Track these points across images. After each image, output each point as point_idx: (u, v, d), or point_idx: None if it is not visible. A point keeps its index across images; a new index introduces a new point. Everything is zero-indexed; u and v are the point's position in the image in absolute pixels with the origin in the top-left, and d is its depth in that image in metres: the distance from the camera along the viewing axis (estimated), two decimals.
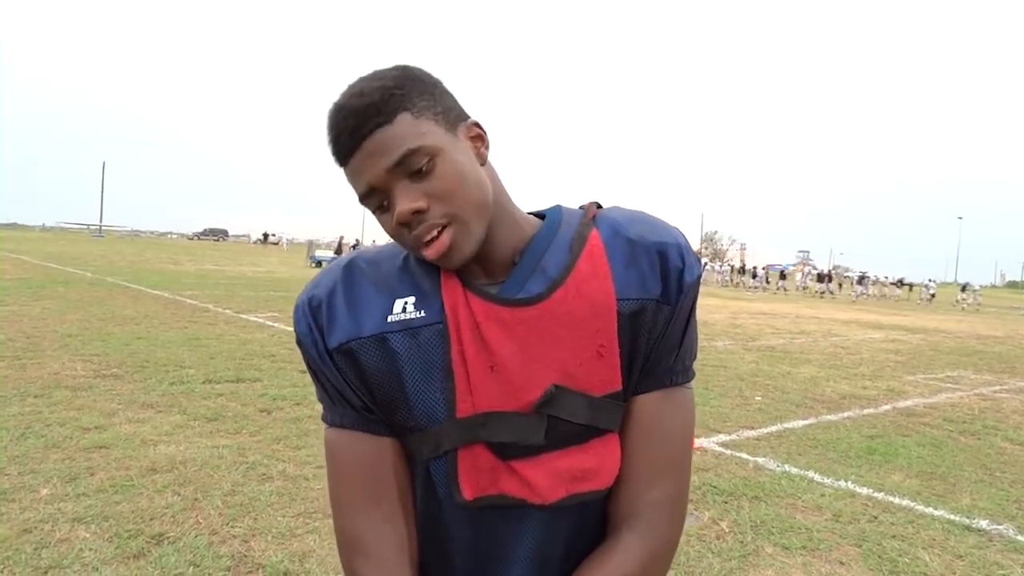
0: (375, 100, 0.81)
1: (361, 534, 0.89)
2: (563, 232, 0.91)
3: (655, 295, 0.87)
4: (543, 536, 0.91)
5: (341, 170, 0.87)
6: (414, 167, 0.81)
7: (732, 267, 49.07)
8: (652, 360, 0.89)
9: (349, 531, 0.90)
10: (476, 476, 0.88)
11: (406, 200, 0.82)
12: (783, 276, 41.67)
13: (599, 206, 0.96)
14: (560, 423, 0.86)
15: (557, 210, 0.95)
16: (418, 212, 0.82)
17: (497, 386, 0.86)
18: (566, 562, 0.92)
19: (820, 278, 39.64)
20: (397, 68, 0.86)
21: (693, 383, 0.95)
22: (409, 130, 0.81)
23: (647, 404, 0.90)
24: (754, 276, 40.36)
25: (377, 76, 0.84)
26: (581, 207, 0.96)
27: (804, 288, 40.21)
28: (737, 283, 43.84)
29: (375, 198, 0.84)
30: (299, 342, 0.91)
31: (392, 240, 0.98)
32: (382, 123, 0.81)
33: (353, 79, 0.86)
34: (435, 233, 0.82)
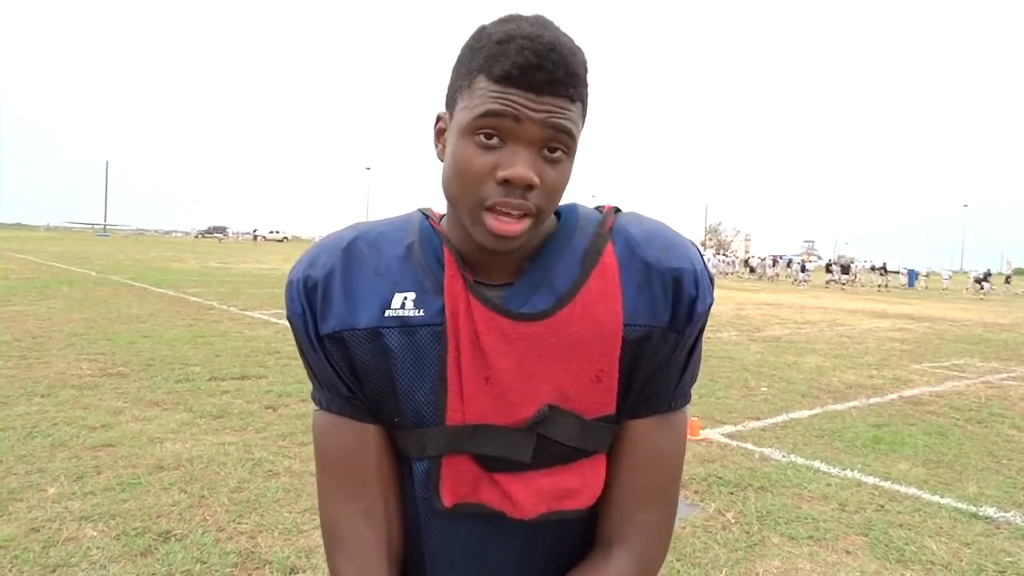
0: (579, 73, 0.78)
1: (341, 525, 0.88)
2: (577, 240, 0.86)
3: (663, 322, 0.84)
4: (517, 548, 0.89)
5: (478, 76, 0.77)
6: (555, 150, 0.78)
7: (763, 260, 47.34)
8: (652, 386, 0.87)
9: (330, 521, 0.89)
10: (457, 484, 0.86)
11: (531, 168, 0.77)
12: (829, 269, 39.75)
13: (617, 209, 0.92)
14: (549, 443, 0.84)
15: (573, 211, 0.90)
16: (530, 187, 0.77)
17: (490, 399, 0.84)
18: (541, 574, 0.91)
19: (846, 269, 38.57)
20: (583, 51, 0.81)
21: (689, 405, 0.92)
22: (577, 119, 0.79)
23: (643, 429, 0.88)
24: (803, 269, 38.81)
25: (578, 47, 0.80)
26: (598, 208, 0.92)
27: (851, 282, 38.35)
28: (772, 277, 42.44)
29: (503, 126, 0.76)
30: (290, 320, 0.88)
31: (403, 215, 0.94)
32: (572, 97, 0.78)
33: (531, 15, 0.80)
34: (518, 214, 0.78)
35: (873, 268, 41.13)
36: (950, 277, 41.26)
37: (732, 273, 46.28)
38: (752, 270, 45.70)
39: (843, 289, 34.55)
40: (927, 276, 42.45)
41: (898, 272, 42.31)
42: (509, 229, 0.77)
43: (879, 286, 37.35)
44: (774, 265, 45.16)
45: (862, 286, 38.17)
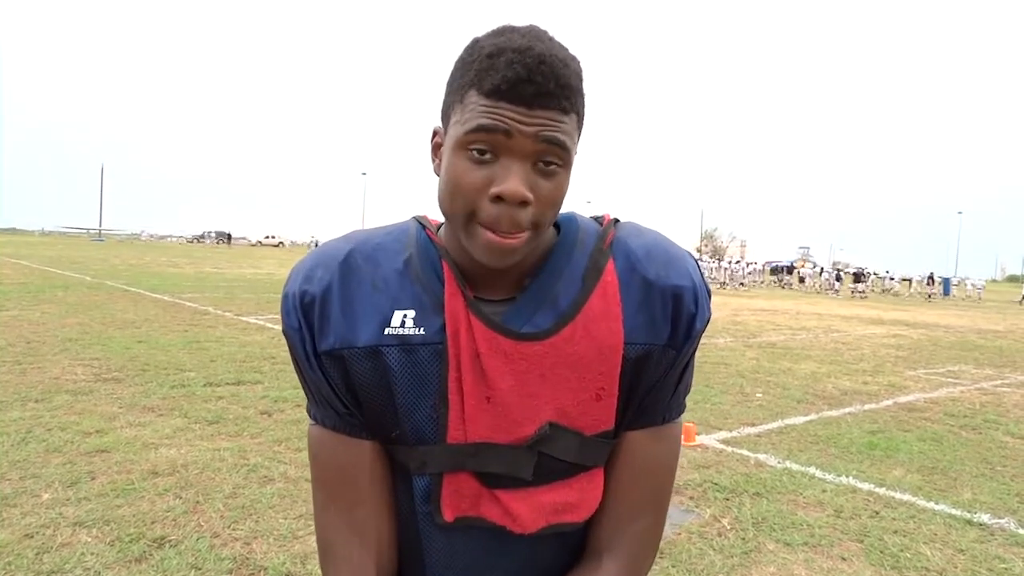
0: (572, 84, 0.76)
1: (334, 541, 0.88)
2: (578, 256, 0.86)
3: (663, 340, 0.85)
4: (516, 560, 0.90)
5: (469, 91, 0.76)
6: (549, 163, 0.76)
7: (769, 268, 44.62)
8: (648, 400, 0.87)
9: (323, 535, 0.89)
10: (458, 500, 0.86)
11: (524, 183, 0.75)
12: (858, 279, 36.67)
13: (616, 220, 0.92)
14: (549, 460, 0.85)
15: (572, 223, 0.89)
16: (524, 203, 0.75)
17: (492, 418, 0.83)
18: None
19: (858, 278, 36.15)
20: (577, 61, 0.80)
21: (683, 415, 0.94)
22: (571, 131, 0.78)
23: (638, 442, 0.88)
24: (838, 279, 36.88)
25: (571, 57, 0.78)
26: (596, 219, 0.92)
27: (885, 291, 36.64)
28: (784, 284, 40.78)
29: (494, 141, 0.75)
30: (286, 334, 0.87)
31: (398, 224, 0.92)
32: (566, 109, 0.76)
33: (527, 25, 0.79)
34: (514, 230, 0.76)
35: (930, 279, 39.01)
36: (983, 287, 39.21)
37: (762, 282, 41.85)
38: (801, 280, 41.42)
39: (862, 299, 32.02)
40: (956, 284, 41.31)
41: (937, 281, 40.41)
42: (506, 242, 0.76)
43: (928, 295, 35.66)
44: (786, 272, 43.94)
45: (895, 295, 36.64)
